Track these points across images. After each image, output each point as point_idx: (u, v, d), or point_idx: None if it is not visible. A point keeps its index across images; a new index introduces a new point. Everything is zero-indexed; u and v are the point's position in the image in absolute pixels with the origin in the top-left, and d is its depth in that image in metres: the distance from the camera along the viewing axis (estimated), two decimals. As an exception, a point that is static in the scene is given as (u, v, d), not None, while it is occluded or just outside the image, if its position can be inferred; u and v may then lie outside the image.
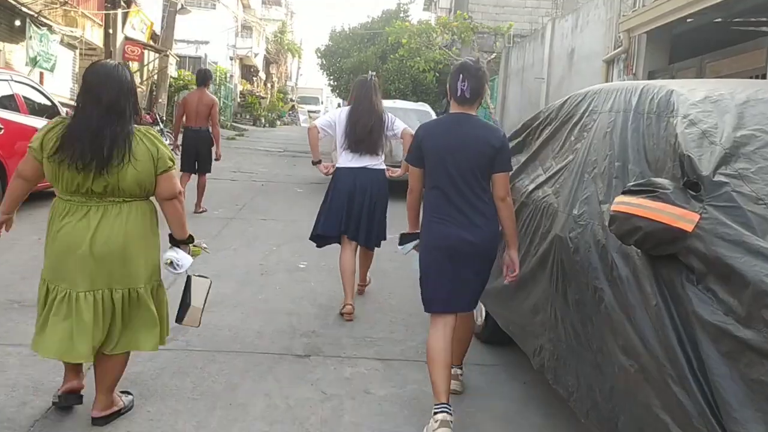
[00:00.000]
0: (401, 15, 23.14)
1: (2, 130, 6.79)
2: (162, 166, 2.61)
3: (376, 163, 4.74)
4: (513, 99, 14.30)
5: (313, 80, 69.78)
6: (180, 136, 8.31)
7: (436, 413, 2.83)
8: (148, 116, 18.70)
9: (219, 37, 34.47)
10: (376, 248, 4.98)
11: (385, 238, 4.92)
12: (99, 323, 2.58)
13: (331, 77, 25.50)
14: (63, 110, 8.51)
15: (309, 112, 45.98)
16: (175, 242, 2.81)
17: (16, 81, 7.49)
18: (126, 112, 2.55)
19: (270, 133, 29.31)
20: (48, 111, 8.14)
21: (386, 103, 10.95)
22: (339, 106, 36.14)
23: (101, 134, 2.48)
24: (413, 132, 3.63)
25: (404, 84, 20.45)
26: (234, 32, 37.17)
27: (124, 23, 20.72)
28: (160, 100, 22.36)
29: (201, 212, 8.06)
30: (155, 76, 24.06)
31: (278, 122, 38.89)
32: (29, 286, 4.25)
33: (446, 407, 2.84)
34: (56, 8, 15.00)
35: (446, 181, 2.95)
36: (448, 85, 3.11)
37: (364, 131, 4.62)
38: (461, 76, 2.96)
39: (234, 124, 32.88)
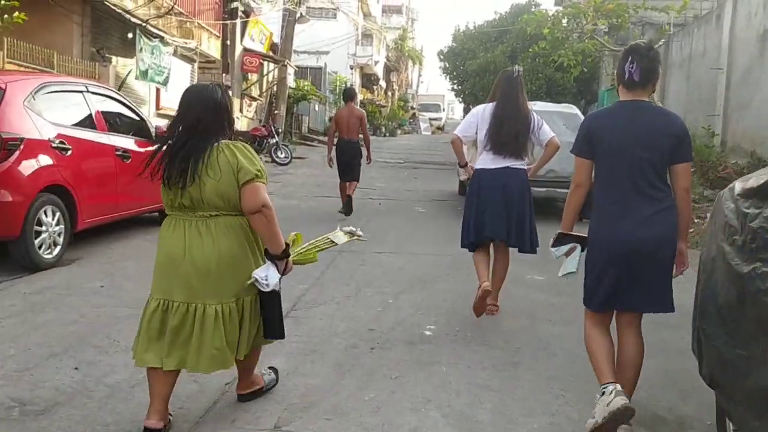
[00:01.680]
0: (532, 9, 20.98)
1: (69, 151, 5.66)
2: (243, 177, 2.61)
3: (520, 163, 4.48)
4: (676, 95, 11.90)
5: (434, 87, 68.35)
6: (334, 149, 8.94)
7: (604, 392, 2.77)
8: (263, 129, 17.96)
9: (339, 47, 34.02)
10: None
11: (538, 244, 4.54)
12: (182, 334, 2.65)
13: (455, 81, 23.71)
14: (153, 126, 7.42)
15: (430, 119, 44.76)
16: (270, 257, 2.75)
17: (93, 92, 6.40)
18: (210, 131, 2.66)
19: (390, 143, 28.12)
20: (135, 127, 7.05)
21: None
22: (464, 112, 34.58)
23: (187, 153, 2.62)
24: (559, 143, 4.40)
25: (537, 85, 18.40)
26: (354, 41, 36.62)
27: (242, 34, 20.25)
28: (276, 111, 21.67)
29: (349, 213, 8.70)
30: (274, 87, 23.53)
31: (399, 131, 37.88)
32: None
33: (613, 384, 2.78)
34: (170, 19, 14.42)
35: (624, 176, 2.78)
36: (616, 72, 2.96)
37: (509, 135, 4.36)
38: (630, 57, 2.79)
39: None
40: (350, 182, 8.82)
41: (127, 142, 6.69)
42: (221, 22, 17.57)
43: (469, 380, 3.52)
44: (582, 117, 9.23)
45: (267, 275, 2.69)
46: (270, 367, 3.29)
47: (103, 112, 6.45)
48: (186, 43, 15.05)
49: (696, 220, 8.01)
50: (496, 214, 4.44)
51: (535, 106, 9.71)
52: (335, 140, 9.00)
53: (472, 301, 4.44)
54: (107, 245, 6.51)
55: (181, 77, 16.73)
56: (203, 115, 2.64)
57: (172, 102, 16.14)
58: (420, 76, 62.11)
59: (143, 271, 5.72)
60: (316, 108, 29.55)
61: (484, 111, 4.50)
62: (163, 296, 2.69)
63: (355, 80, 38.00)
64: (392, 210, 10.14)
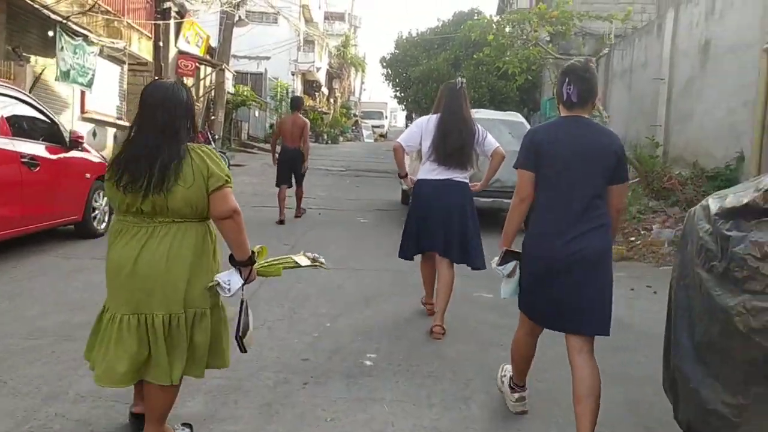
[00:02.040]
0: (475, 17, 20.93)
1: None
2: (213, 184, 2.49)
3: (463, 176, 4.44)
4: (617, 106, 11.91)
5: (377, 95, 68.20)
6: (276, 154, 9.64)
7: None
8: (199, 135, 17.19)
9: (281, 52, 33.42)
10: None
11: (484, 262, 4.35)
12: (140, 348, 2.48)
13: (397, 88, 23.44)
14: (67, 131, 6.75)
15: (373, 127, 44.47)
16: (235, 263, 2.62)
17: (-5, 93, 5.70)
18: (180, 134, 2.51)
19: (332, 150, 27.66)
20: (46, 132, 6.38)
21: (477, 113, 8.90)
22: (407, 119, 34.28)
23: (154, 157, 2.45)
24: (504, 153, 4.40)
25: (480, 93, 18.27)
26: (296, 47, 36.03)
27: (177, 36, 19.42)
28: (213, 117, 20.91)
29: (300, 215, 9.50)
30: (212, 92, 22.73)
31: (341, 138, 37.42)
32: None
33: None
34: (95, 17, 13.58)
35: (565, 190, 2.75)
36: (555, 91, 3.04)
37: (455, 146, 4.31)
38: (567, 79, 2.80)
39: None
40: (297, 186, 9.42)
41: (36, 149, 6.03)
42: (153, 22, 16.73)
43: (414, 421, 3.10)
44: (527, 125, 9.05)
45: (230, 280, 2.60)
46: (184, 424, 2.86)
47: (7, 116, 5.77)
48: (113, 43, 14.20)
49: (642, 232, 7.88)
50: (435, 227, 4.40)
51: (479, 114, 9.51)
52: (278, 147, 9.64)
53: (417, 323, 4.38)
54: (12, 263, 5.82)
55: (109, 79, 15.85)
56: (175, 116, 2.50)
57: (98, 105, 15.24)
58: (363, 83, 61.87)
59: (53, 292, 5.12)
60: (256, 114, 28.83)
61: (428, 122, 4.44)
62: (114, 309, 2.54)
63: (297, 87, 37.41)
64: (333, 220, 9.69)
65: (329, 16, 47.27)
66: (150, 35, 17.04)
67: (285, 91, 33.78)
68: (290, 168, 9.17)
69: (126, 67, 16.98)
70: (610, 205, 2.83)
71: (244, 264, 2.62)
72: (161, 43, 17.34)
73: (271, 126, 31.40)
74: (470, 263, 4.46)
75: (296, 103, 9.84)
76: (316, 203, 11.51)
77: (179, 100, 2.53)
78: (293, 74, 36.29)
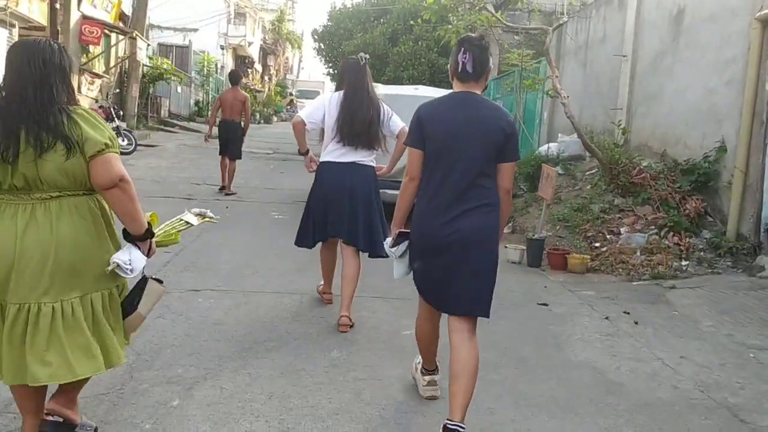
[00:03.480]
0: (415, -11, 19.38)
1: None
2: (91, 148, 2.21)
3: (369, 158, 4.26)
4: (571, 87, 10.60)
5: (317, 73, 66.04)
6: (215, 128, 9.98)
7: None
8: (100, 110, 15.08)
9: (209, 24, 31.13)
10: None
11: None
12: (14, 340, 2.23)
13: (330, 64, 21.62)
14: None
15: (309, 106, 42.49)
16: (130, 239, 2.37)
17: None
18: (54, 93, 2.23)
19: (263, 131, 25.79)
20: None
21: (406, 90, 7.52)
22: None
23: (25, 117, 2.18)
24: None
25: (420, 71, 16.81)
26: (226, 19, 33.71)
27: (80, -1, 17.14)
28: (117, 91, 18.68)
29: (231, 194, 9.43)
30: (126, 64, 20.46)
31: (275, 118, 35.44)
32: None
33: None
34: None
35: (449, 169, 2.72)
36: (449, 65, 2.90)
37: (363, 125, 4.13)
38: (462, 48, 2.76)
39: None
40: (230, 160, 9.58)
41: None
42: (45, -21, 14.48)
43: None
44: None
45: (130, 258, 2.33)
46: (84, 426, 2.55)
47: None
48: (-11, -1, 11.97)
49: (608, 236, 6.58)
50: (340, 213, 4.19)
51: (418, 91, 8.09)
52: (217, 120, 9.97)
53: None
54: None
55: (-8, 44, 13.58)
56: (47, 74, 2.22)
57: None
58: (301, 61, 59.56)
59: None
60: (179, 90, 26.49)
61: (331, 99, 4.22)
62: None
63: (227, 62, 35.13)
64: (241, 216, 8.05)
65: (265, -11, 44.93)
66: (43, -5, 14.79)
67: (214, 66, 31.52)
68: (228, 139, 9.52)
69: (16, 31, 14.69)
70: (499, 185, 2.78)
71: (141, 238, 2.39)
72: (58, 5, 15.14)
73: (197, 103, 29.36)
74: (374, 251, 4.24)
75: (235, 77, 10.19)
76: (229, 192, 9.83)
77: (50, 57, 2.26)
78: (223, 48, 33.97)
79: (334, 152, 4.19)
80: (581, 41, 10.78)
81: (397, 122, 4.28)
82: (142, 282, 2.49)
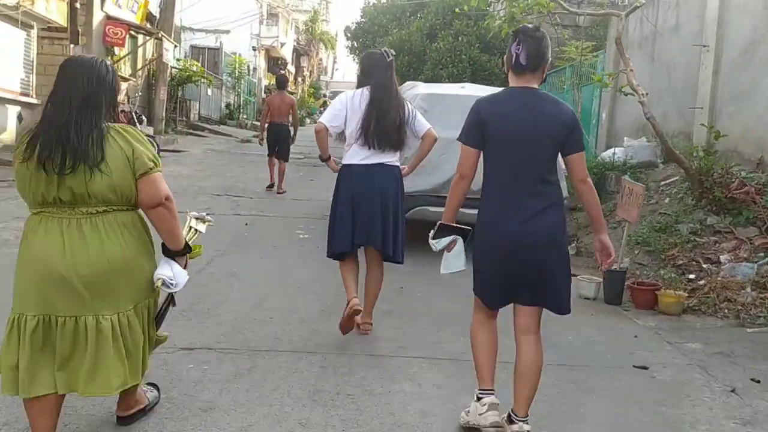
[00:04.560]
0: (454, -19, 18.16)
1: None
2: (140, 167, 2.29)
3: (394, 159, 4.03)
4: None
5: (351, 74, 65.00)
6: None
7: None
8: (121, 115, 14.30)
9: (241, 26, 30.44)
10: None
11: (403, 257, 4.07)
12: (75, 354, 2.28)
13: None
14: None
15: (343, 108, 41.57)
16: (170, 254, 2.46)
17: None
18: (101, 109, 2.31)
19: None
20: None
21: (450, 89, 6.61)
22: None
23: (71, 128, 2.23)
24: (436, 135, 4.07)
25: (460, 68, 15.59)
26: (258, 20, 33.00)
27: (104, -1, 16.42)
28: (152, 95, 17.92)
29: (282, 193, 9.80)
30: (153, 66, 19.75)
31: (308, 120, 34.56)
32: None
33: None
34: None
35: (515, 168, 2.66)
36: (505, 57, 2.81)
37: (391, 126, 3.89)
38: (517, 39, 2.68)
39: (256, 122, 28.59)
40: (281, 162, 9.95)
41: None
42: (64, -24, 13.71)
43: None
44: None
45: (172, 273, 2.41)
46: (150, 384, 2.86)
47: None
48: (-1, -2, 11.19)
49: (705, 265, 5.33)
50: (371, 218, 3.89)
51: (464, 90, 6.96)
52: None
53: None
54: None
55: (10, 46, 12.88)
56: (96, 90, 2.29)
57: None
58: (335, 62, 58.74)
59: None
60: (209, 92, 25.75)
61: (353, 98, 3.96)
62: (42, 311, 2.25)
63: (260, 63, 34.50)
64: (261, 235, 7.03)
65: (299, -10, 44.26)
66: (63, -6, 14.04)
67: (246, 68, 30.81)
68: (276, 141, 9.87)
69: (35, 32, 14.00)
70: (572, 177, 2.72)
71: (180, 253, 2.46)
72: (78, 4, 14.36)
73: (228, 106, 28.63)
74: (395, 257, 4.03)
75: (281, 82, 10.76)
76: (250, 204, 8.83)
77: (102, 73, 2.33)
78: (255, 50, 33.26)
79: (359, 154, 3.95)
80: (647, 30, 9.49)
81: (422, 122, 4.08)
82: (170, 300, 2.58)
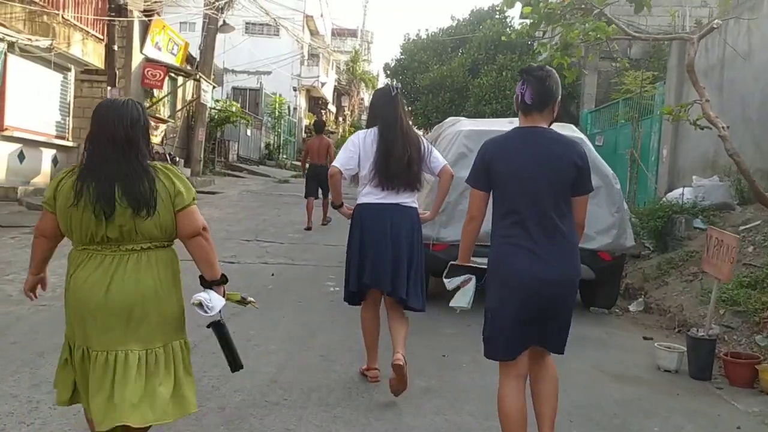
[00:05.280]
0: (496, 15, 17.55)
1: None
2: (180, 202, 2.39)
3: (411, 200, 3.84)
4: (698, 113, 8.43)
5: (391, 113, 64.90)
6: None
7: None
8: (156, 157, 14.02)
9: (282, 66, 30.57)
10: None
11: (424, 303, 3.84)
12: (104, 387, 2.32)
13: (404, 101, 20.03)
14: None
15: (385, 147, 41.29)
16: (207, 284, 2.49)
17: None
18: (142, 151, 2.39)
19: (333, 174, 24.26)
20: None
21: (498, 125, 5.83)
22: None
23: (123, 172, 2.32)
24: (453, 172, 3.90)
25: (504, 104, 14.89)
26: (299, 60, 33.13)
27: (143, 41, 16.38)
28: (189, 136, 17.68)
29: (325, 224, 10.62)
30: (193, 107, 19.66)
31: (348, 159, 34.22)
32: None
33: None
34: (8, 6, 10.47)
35: (523, 208, 2.63)
36: (515, 96, 2.81)
37: (399, 165, 3.72)
38: (522, 79, 2.71)
39: (296, 162, 28.36)
40: (324, 198, 10.30)
41: None
42: (100, 17, 13.62)
43: None
44: (587, 140, 5.82)
45: (210, 297, 2.44)
46: None
47: None
48: (32, 40, 11.01)
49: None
50: (381, 259, 3.69)
51: (514, 125, 6.20)
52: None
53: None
54: None
55: (44, 88, 12.76)
56: (134, 134, 2.37)
57: (26, 120, 12.13)
58: (376, 101, 58.72)
59: None
60: (249, 133, 25.63)
61: (365, 138, 3.81)
62: (83, 343, 2.37)
63: (300, 103, 34.55)
64: (287, 288, 6.36)
65: (340, 33, 44.63)
66: (101, 36, 13.96)
67: (286, 108, 30.79)
68: (317, 183, 10.16)
69: (72, 75, 13.91)
70: (574, 219, 2.71)
71: (217, 283, 2.50)
72: (116, 47, 14.25)
73: (267, 146, 28.51)
74: (409, 302, 3.73)
75: (319, 126, 11.63)
76: (279, 251, 8.19)
77: (137, 118, 2.40)
78: (296, 90, 33.32)
79: (373, 194, 3.78)
80: (713, 59, 8.65)
81: (438, 159, 3.91)
82: (224, 330, 2.57)
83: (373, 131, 3.80)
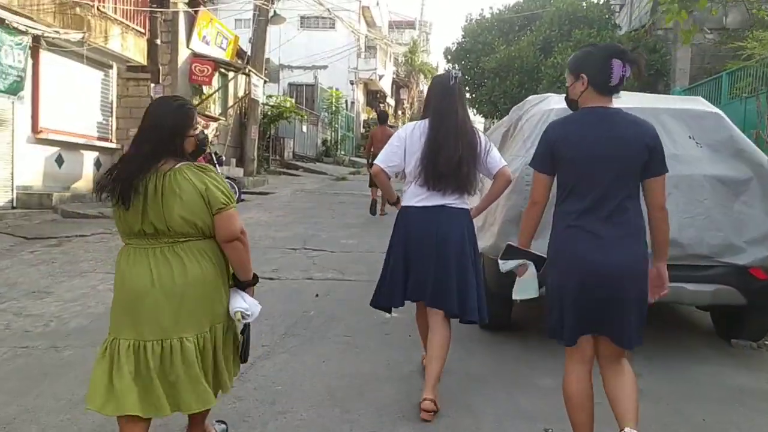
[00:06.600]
0: (569, -11, 15.85)
1: None
2: (215, 205, 2.41)
3: (463, 202, 3.48)
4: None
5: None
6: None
7: None
8: (201, 158, 13.08)
9: (339, 60, 29.64)
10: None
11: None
12: (169, 375, 2.40)
13: (466, 87, 18.36)
14: None
15: (446, 140, 39.86)
16: (240, 285, 2.59)
17: None
18: (177, 149, 2.43)
19: (393, 169, 23.04)
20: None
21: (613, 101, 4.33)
22: (483, 128, 29.74)
23: (145, 168, 2.39)
24: (511, 176, 3.54)
25: (582, 86, 13.25)
26: (355, 53, 32.09)
27: (189, 35, 15.55)
28: (242, 134, 16.78)
29: (383, 215, 10.55)
30: (244, 103, 18.78)
31: (408, 152, 32.99)
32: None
33: None
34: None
35: (588, 191, 2.51)
36: (585, 72, 2.56)
37: (449, 164, 3.36)
38: (621, 59, 2.49)
39: (355, 158, 27.29)
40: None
41: None
42: (140, 9, 12.75)
43: None
44: (727, 118, 4.32)
45: (247, 306, 2.54)
46: (219, 421, 2.90)
47: None
48: (60, 33, 10.15)
49: None
50: (424, 269, 3.38)
51: (629, 102, 4.76)
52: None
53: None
54: None
55: (84, 87, 11.99)
56: (174, 133, 2.43)
57: (63, 122, 11.35)
58: (436, 93, 57.26)
59: None
60: (305, 129, 24.70)
61: (413, 132, 3.49)
62: (133, 337, 2.40)
63: (358, 97, 33.52)
64: (333, 314, 5.12)
65: (398, 25, 43.43)
66: (142, 30, 13.12)
67: (344, 103, 29.79)
68: None
69: (114, 71, 13.14)
70: (649, 201, 2.56)
71: (250, 284, 2.59)
72: (159, 41, 13.39)
73: (324, 142, 27.55)
74: (465, 316, 3.39)
75: (382, 117, 11.90)
76: (328, 267, 6.94)
77: (179, 117, 2.45)
78: (353, 83, 32.30)
79: (416, 195, 3.42)
80: None
81: (496, 159, 3.48)
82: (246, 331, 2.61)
83: (424, 123, 3.46)
